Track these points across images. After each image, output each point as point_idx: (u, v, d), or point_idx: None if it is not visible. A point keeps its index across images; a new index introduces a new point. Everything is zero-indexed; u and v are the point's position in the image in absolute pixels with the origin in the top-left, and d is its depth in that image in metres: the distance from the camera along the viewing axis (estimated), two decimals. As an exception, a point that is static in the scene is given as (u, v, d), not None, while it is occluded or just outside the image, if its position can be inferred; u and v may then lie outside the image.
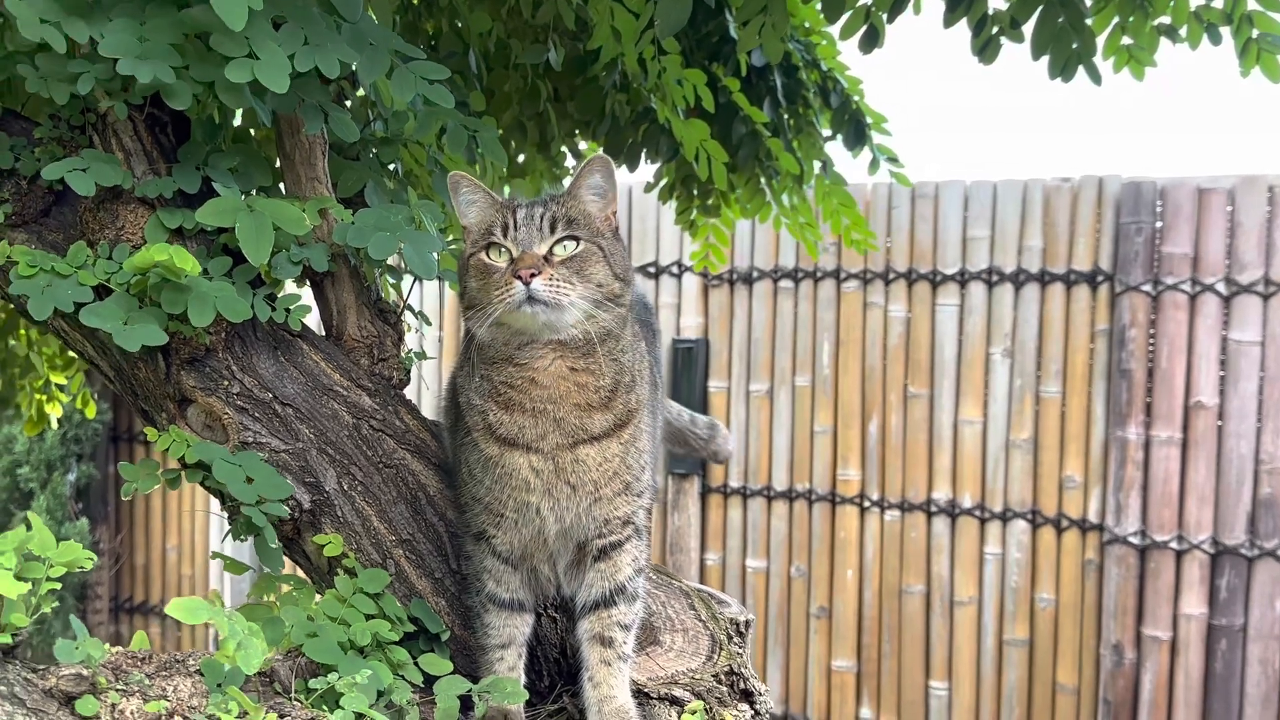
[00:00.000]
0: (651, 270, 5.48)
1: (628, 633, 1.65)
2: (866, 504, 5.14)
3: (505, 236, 1.57)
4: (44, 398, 3.75)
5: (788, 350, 5.28)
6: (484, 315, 1.56)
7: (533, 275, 1.52)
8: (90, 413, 3.79)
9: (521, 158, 3.35)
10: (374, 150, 1.99)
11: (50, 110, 1.68)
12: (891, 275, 5.07)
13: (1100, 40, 2.42)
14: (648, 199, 5.02)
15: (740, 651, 1.73)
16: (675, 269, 5.44)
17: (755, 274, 5.31)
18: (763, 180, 3.41)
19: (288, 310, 1.70)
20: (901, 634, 5.07)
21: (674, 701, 1.60)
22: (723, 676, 1.66)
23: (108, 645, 1.32)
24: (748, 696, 1.68)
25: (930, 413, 5.01)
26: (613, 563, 1.66)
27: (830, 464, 5.21)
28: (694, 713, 1.59)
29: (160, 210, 1.66)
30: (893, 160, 3.45)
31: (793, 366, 5.27)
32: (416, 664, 1.65)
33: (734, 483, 5.38)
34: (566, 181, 3.54)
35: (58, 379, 3.69)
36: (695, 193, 3.61)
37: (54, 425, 3.92)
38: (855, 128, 3.42)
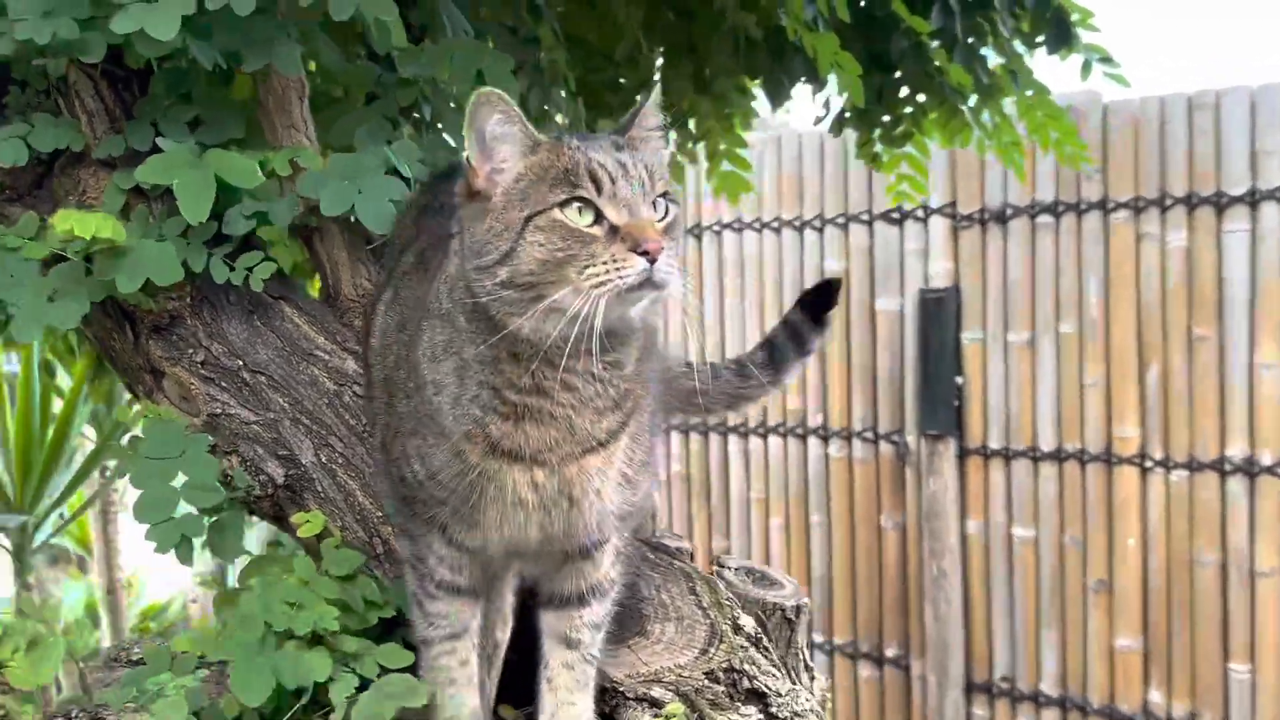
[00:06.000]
0: (895, 216, 5.06)
1: (597, 633, 1.42)
2: (1148, 464, 4.52)
3: (600, 193, 1.21)
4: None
5: (1049, 294, 4.71)
6: (553, 297, 1.20)
7: (660, 250, 1.19)
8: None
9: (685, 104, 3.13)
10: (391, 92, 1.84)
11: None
12: (1168, 201, 4.41)
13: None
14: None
15: (746, 646, 1.45)
16: (920, 213, 4.99)
17: (1009, 211, 4.78)
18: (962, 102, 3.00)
19: (249, 270, 1.58)
20: (1193, 610, 4.42)
21: (651, 703, 1.35)
22: (720, 674, 1.40)
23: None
24: (759, 697, 1.41)
25: (1219, 357, 4.32)
26: (593, 560, 1.42)
27: (1104, 420, 4.61)
28: (671, 715, 1.34)
29: (118, 171, 1.59)
30: (1106, 60, 2.95)
31: (1056, 312, 4.70)
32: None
33: (994, 443, 4.88)
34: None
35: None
36: (885, 121, 3.24)
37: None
38: (1059, 27, 2.95)
